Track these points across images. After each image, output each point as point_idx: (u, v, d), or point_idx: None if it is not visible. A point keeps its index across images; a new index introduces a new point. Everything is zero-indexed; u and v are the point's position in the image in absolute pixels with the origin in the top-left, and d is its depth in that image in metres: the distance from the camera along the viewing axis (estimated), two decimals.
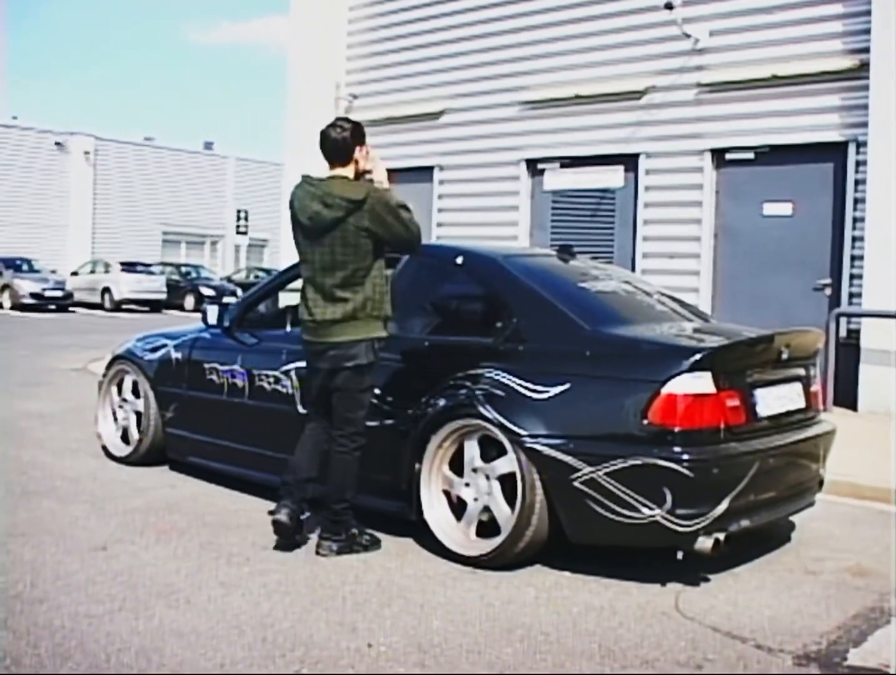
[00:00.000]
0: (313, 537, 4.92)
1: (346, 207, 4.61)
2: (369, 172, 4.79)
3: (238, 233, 35.70)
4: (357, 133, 4.78)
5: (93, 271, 31.48)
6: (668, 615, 4.09)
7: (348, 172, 4.77)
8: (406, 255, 5.11)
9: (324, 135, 4.77)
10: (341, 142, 4.72)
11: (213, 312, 6.22)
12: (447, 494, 4.88)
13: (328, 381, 4.82)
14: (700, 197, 11.28)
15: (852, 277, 10.15)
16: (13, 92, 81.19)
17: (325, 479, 4.87)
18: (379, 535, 5.01)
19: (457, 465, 4.84)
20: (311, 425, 4.99)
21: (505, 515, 4.61)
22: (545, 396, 4.55)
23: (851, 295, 10.15)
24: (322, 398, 4.91)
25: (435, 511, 4.86)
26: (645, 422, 4.32)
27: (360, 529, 4.91)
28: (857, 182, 10.09)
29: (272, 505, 5.59)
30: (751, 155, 10.96)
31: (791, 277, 10.54)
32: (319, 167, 4.87)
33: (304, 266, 4.84)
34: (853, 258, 10.14)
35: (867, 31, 9.88)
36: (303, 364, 5.30)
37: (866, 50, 9.89)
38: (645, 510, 4.28)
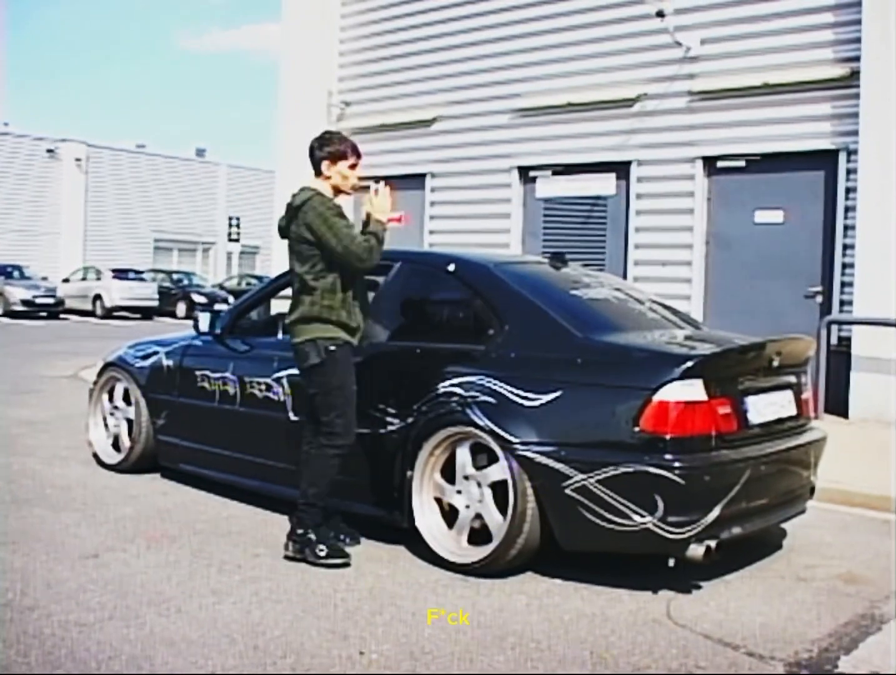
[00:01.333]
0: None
1: (289, 215, 4.82)
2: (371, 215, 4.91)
3: (230, 240, 35.73)
4: (325, 148, 4.87)
5: (84, 278, 31.40)
6: (659, 622, 4.09)
7: (318, 183, 4.88)
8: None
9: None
10: (310, 154, 4.91)
11: (204, 319, 6.21)
12: (439, 501, 4.88)
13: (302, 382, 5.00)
14: (692, 205, 11.30)
15: (843, 284, 10.17)
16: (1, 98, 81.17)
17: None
18: (370, 542, 5.01)
19: (448, 472, 4.84)
20: (304, 446, 4.97)
21: (496, 522, 4.61)
22: (537, 403, 4.55)
23: (842, 303, 10.17)
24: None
25: (426, 519, 4.85)
26: (636, 429, 4.32)
27: (325, 540, 4.81)
28: (847, 190, 10.12)
29: (264, 512, 5.60)
30: (742, 163, 10.99)
31: (782, 285, 10.56)
32: (311, 175, 4.94)
33: None
34: (844, 266, 10.16)
35: (858, 41, 9.91)
36: (294, 371, 5.29)
37: (857, 59, 9.93)
38: (636, 518, 4.29)
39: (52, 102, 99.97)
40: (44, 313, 28.18)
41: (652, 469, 4.24)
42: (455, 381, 4.84)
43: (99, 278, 30.71)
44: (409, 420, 4.93)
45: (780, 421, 4.92)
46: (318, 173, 4.89)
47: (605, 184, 12.14)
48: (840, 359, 9.86)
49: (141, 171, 42.82)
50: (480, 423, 4.62)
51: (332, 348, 4.75)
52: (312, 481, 4.81)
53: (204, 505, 5.87)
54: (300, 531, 4.78)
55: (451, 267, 5.32)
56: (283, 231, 4.91)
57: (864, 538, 5.64)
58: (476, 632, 3.90)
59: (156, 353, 6.56)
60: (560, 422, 4.50)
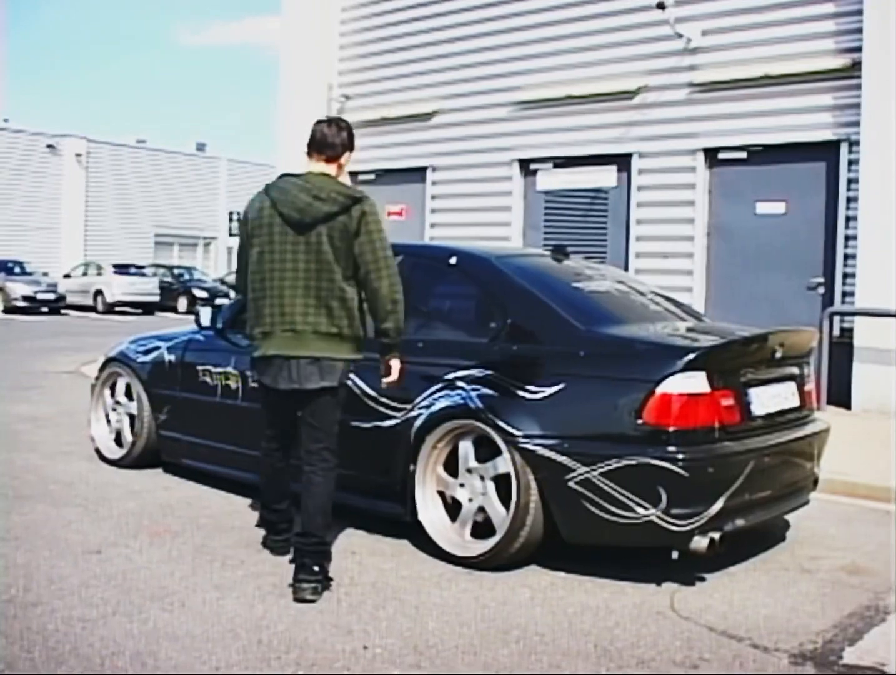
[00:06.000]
0: None
1: (334, 202, 4.23)
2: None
3: (231, 235, 35.74)
4: (352, 135, 4.47)
5: (85, 274, 31.41)
6: (663, 614, 4.09)
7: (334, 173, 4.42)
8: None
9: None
10: (337, 136, 4.40)
11: (206, 313, 6.18)
12: (442, 495, 4.87)
13: (293, 402, 4.42)
14: (693, 196, 11.29)
15: (845, 275, 10.17)
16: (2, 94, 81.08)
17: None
18: (373, 537, 5.01)
19: (451, 466, 4.83)
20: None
21: (500, 515, 4.60)
22: (540, 396, 4.54)
23: (844, 294, 10.17)
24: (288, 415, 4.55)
25: (430, 512, 4.85)
26: (639, 422, 4.31)
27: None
28: (849, 181, 10.11)
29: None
30: (743, 154, 10.97)
31: (784, 276, 10.56)
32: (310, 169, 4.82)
33: None
34: (846, 257, 10.15)
35: (859, 31, 9.90)
36: None
37: (858, 49, 9.91)
38: (640, 510, 4.28)
39: (53, 98, 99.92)
40: (45, 309, 28.21)
41: (655, 461, 4.23)
42: (457, 374, 4.83)
43: (100, 274, 30.72)
44: (412, 414, 4.93)
45: (782, 413, 4.92)
46: (332, 161, 4.39)
47: (606, 176, 12.12)
48: (842, 350, 9.85)
49: (141, 166, 42.73)
50: (483, 416, 4.62)
51: (352, 369, 4.48)
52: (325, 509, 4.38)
53: (207, 500, 5.87)
54: (317, 569, 4.24)
55: (453, 260, 5.31)
56: (318, 218, 4.21)
57: (868, 530, 5.64)
58: (480, 625, 3.90)
59: (157, 348, 6.55)
60: (563, 415, 4.50)
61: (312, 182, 4.27)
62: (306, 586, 4.16)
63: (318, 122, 4.46)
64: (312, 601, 4.12)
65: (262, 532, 5.05)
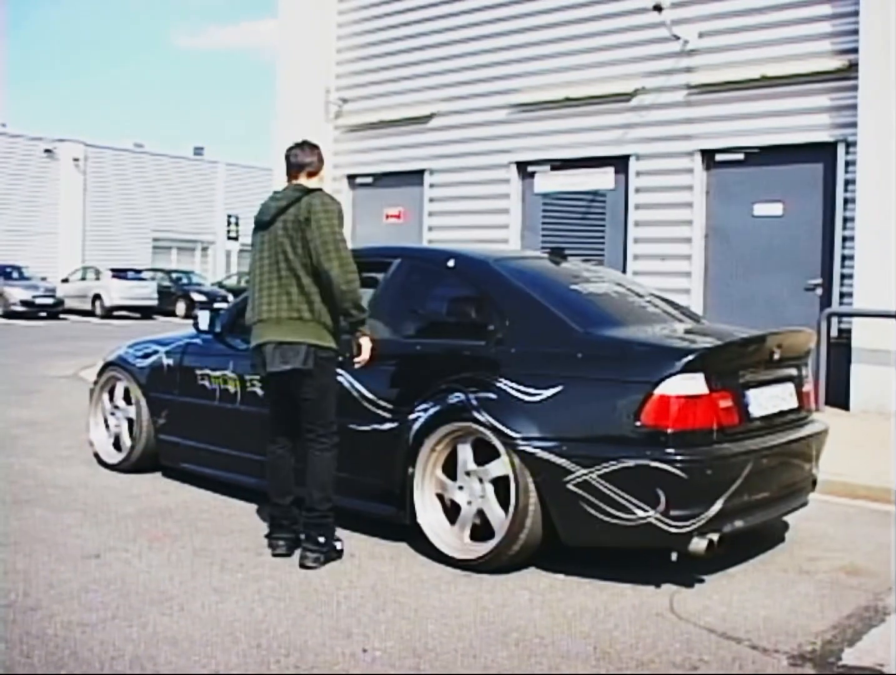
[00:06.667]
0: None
1: (292, 199, 4.77)
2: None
3: (229, 238, 35.68)
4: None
5: (83, 278, 31.38)
6: (662, 616, 4.09)
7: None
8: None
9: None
10: (312, 155, 4.92)
11: (204, 317, 6.20)
12: (441, 497, 4.87)
13: (282, 384, 4.76)
14: (690, 198, 11.29)
15: (843, 276, 10.17)
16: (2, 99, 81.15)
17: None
18: (372, 539, 5.02)
19: (450, 468, 4.84)
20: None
21: (499, 518, 4.60)
22: (538, 398, 4.55)
23: (842, 295, 10.17)
24: (284, 404, 4.87)
25: (428, 515, 4.85)
26: (638, 423, 4.31)
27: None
28: (846, 182, 10.12)
29: (264, 510, 5.58)
30: (741, 156, 10.98)
31: (782, 278, 10.56)
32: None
33: None
34: (844, 258, 10.16)
35: (855, 32, 9.91)
36: None
37: (855, 50, 9.92)
38: (639, 512, 4.28)
39: (50, 103, 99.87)
40: (43, 314, 28.14)
41: (654, 463, 4.23)
42: (456, 377, 4.83)
43: (98, 278, 30.67)
44: (411, 417, 4.92)
45: (781, 414, 4.92)
46: (313, 175, 4.87)
47: (603, 178, 12.13)
48: (840, 351, 9.85)
49: (139, 170, 42.71)
50: (482, 419, 4.62)
51: (325, 355, 4.69)
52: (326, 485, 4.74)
53: (205, 504, 5.87)
54: (322, 540, 4.67)
55: (451, 263, 5.32)
56: (275, 216, 4.71)
57: (867, 530, 5.64)
58: (479, 628, 3.90)
59: (156, 352, 6.55)
60: (561, 417, 4.50)
61: (282, 191, 4.83)
62: (309, 554, 4.63)
63: (290, 147, 4.93)
64: (314, 568, 4.58)
65: (261, 536, 5.05)
